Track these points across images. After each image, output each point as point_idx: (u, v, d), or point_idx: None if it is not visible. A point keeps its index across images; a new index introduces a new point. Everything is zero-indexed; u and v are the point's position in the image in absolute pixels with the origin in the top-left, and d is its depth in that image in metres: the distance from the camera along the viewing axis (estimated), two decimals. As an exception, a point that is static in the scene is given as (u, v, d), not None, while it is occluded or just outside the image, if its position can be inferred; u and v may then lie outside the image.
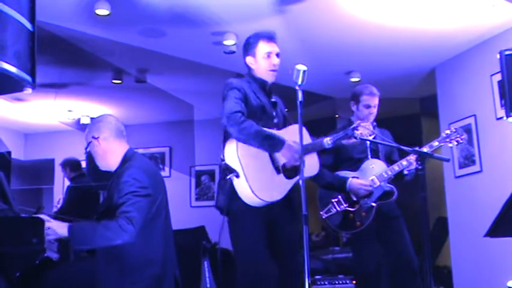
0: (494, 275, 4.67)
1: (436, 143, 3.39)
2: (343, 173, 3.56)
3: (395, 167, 3.48)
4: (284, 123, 3.05)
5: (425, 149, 3.27)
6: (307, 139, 2.92)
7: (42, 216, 2.62)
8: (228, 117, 2.76)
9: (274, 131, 2.85)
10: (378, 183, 3.49)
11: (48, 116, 7.12)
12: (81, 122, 7.13)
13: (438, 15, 4.47)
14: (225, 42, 4.78)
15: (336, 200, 3.53)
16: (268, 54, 2.94)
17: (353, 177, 3.52)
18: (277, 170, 2.82)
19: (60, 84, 6.03)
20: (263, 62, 2.95)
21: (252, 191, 2.69)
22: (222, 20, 4.50)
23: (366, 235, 3.52)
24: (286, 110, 3.14)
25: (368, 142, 3.53)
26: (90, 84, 6.13)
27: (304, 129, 2.95)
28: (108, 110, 6.95)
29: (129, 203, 2.57)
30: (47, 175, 7.92)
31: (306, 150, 2.84)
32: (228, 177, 2.72)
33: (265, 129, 2.79)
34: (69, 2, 4.12)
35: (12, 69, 1.89)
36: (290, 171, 2.83)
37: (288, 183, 2.83)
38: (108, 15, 4.23)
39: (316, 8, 4.30)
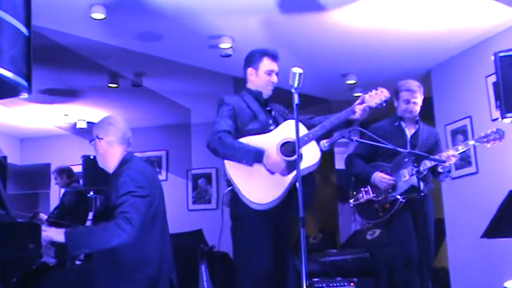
0: (492, 276, 4.67)
1: (472, 142, 3.46)
2: (376, 164, 3.60)
3: (427, 163, 3.41)
4: None
5: (460, 147, 3.38)
6: (302, 131, 2.95)
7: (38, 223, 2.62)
8: (212, 135, 2.93)
9: (265, 135, 2.95)
10: (408, 177, 3.49)
11: (44, 120, 7.11)
12: (77, 126, 7.11)
13: (433, 17, 4.49)
14: (221, 46, 4.78)
15: (365, 189, 3.57)
16: (270, 73, 3.09)
17: (381, 170, 3.54)
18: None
19: (56, 89, 6.02)
20: (264, 78, 3.10)
21: (246, 197, 2.83)
22: (218, 24, 4.51)
23: (405, 223, 3.51)
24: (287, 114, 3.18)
25: (409, 136, 3.63)
26: (86, 88, 6.12)
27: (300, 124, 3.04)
28: (105, 114, 6.85)
29: (127, 203, 2.57)
30: (43, 180, 7.88)
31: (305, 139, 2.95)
32: (226, 191, 2.96)
33: (244, 142, 2.90)
34: (65, 6, 4.12)
35: (8, 74, 1.88)
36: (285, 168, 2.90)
37: (286, 179, 2.88)
38: (103, 19, 4.23)
39: (311, 12, 4.31)
